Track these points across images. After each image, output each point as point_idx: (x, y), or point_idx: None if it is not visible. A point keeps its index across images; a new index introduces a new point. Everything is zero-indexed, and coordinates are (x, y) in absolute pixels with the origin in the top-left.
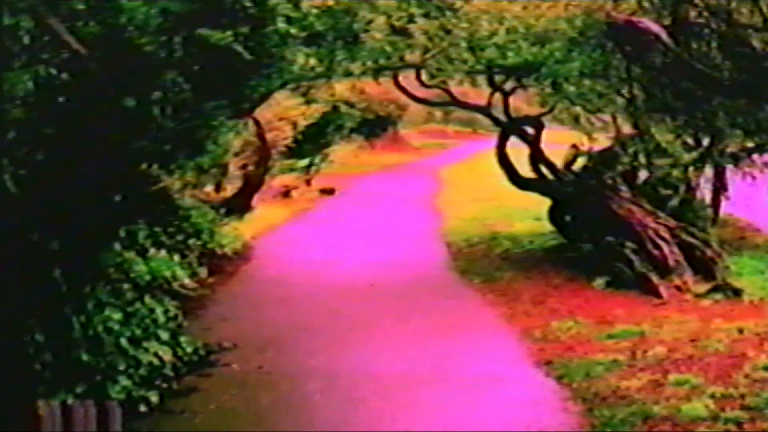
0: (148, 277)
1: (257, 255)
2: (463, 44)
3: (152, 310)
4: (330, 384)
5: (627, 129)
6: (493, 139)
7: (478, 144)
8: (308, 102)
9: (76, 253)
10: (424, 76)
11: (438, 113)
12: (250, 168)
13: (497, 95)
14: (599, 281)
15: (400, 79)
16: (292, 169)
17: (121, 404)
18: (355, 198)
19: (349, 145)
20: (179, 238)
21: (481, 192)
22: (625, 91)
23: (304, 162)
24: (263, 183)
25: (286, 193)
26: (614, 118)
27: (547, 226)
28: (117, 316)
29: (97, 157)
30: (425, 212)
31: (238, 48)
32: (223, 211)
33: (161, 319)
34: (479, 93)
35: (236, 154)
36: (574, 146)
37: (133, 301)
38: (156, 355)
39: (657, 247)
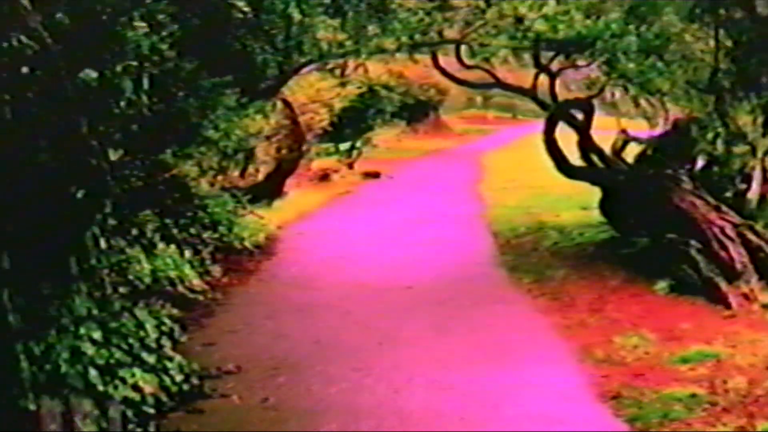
0: (148, 279)
1: (282, 248)
2: (509, 16)
3: (141, 325)
4: (349, 423)
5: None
6: (534, 124)
7: (518, 130)
8: (343, 84)
9: (55, 256)
10: (464, 55)
11: (478, 98)
12: (284, 152)
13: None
14: (661, 285)
15: (440, 60)
16: (330, 153)
17: None
18: (398, 183)
19: (392, 130)
20: (192, 231)
21: (524, 179)
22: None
23: (346, 145)
24: (296, 167)
25: (324, 177)
26: (662, 102)
27: (595, 217)
28: (96, 334)
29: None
30: (469, 198)
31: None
32: (247, 198)
33: (151, 335)
34: (519, 77)
35: (268, 138)
36: (624, 131)
37: (120, 312)
38: (135, 387)
39: (723, 247)
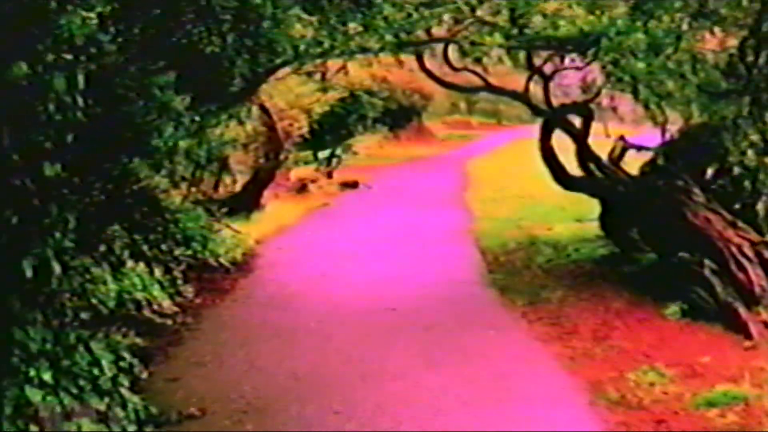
0: (112, 303)
1: (260, 265)
2: (504, 11)
3: (96, 362)
4: None
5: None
6: (519, 130)
7: (503, 135)
8: (324, 90)
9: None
10: (452, 56)
11: (462, 104)
12: (261, 161)
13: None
14: (673, 309)
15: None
16: (307, 162)
17: None
18: (379, 193)
19: (373, 136)
20: (164, 247)
21: (513, 188)
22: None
23: (325, 153)
24: (274, 177)
25: (302, 188)
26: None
27: (591, 230)
28: (46, 375)
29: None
30: (454, 210)
31: None
32: (223, 210)
33: (107, 373)
34: (506, 82)
35: (245, 146)
36: (622, 138)
37: (76, 345)
38: None
39: (741, 268)
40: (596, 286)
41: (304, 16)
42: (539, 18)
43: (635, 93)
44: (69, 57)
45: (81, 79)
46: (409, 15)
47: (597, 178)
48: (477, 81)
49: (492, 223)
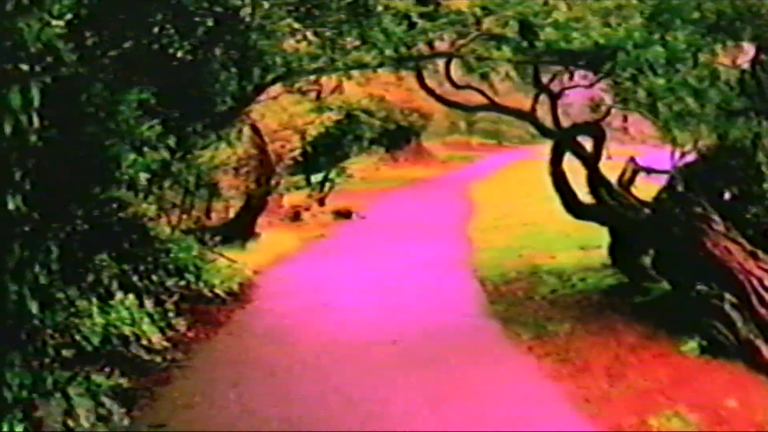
0: (97, 339)
1: (258, 295)
2: (512, 23)
3: (72, 412)
4: None
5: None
6: (520, 151)
7: (504, 157)
8: (319, 109)
9: None
10: (455, 72)
11: (462, 124)
12: (252, 186)
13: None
14: (691, 345)
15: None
16: (299, 187)
17: None
18: (376, 222)
19: (369, 158)
20: (154, 277)
21: (514, 214)
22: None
23: (318, 177)
24: (266, 203)
25: (296, 216)
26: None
27: (597, 258)
28: (19, 429)
29: None
30: (453, 240)
31: None
32: (217, 239)
33: (84, 424)
34: (507, 102)
35: (236, 170)
36: (632, 160)
37: (52, 392)
38: None
39: (763, 303)
40: (606, 319)
41: (297, 26)
42: (550, 30)
43: (654, 112)
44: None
45: (36, 93)
46: (410, 27)
47: (609, 205)
48: (479, 99)
49: (491, 253)
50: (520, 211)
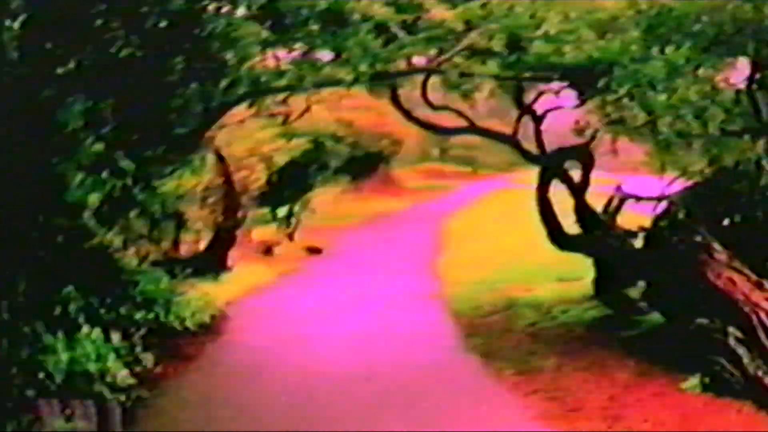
0: (60, 377)
1: (230, 328)
2: (499, 36)
3: None
4: None
5: None
6: (496, 180)
7: (479, 186)
8: (287, 135)
9: None
10: (431, 94)
11: (435, 150)
12: (220, 219)
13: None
14: (692, 382)
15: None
16: (267, 221)
17: None
18: (345, 259)
19: (332, 189)
20: (122, 310)
21: (487, 247)
22: None
23: (283, 211)
24: (235, 237)
25: (267, 250)
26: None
27: (577, 290)
28: None
29: None
30: (423, 274)
31: None
32: (188, 271)
33: None
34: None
35: (203, 200)
36: (619, 188)
37: None
38: None
39: None
40: (594, 354)
41: (265, 34)
42: (541, 42)
43: (654, 132)
44: None
45: None
46: (388, 41)
47: (596, 236)
48: (456, 122)
49: (464, 287)
50: (495, 243)
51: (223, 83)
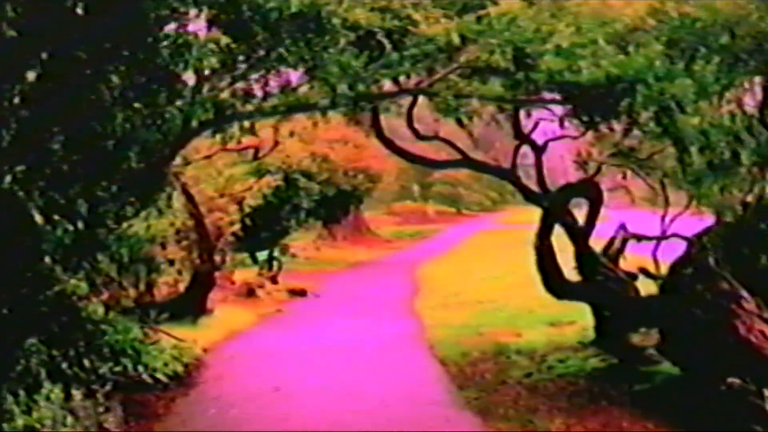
0: None
1: (206, 378)
2: (505, 49)
3: None
4: None
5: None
6: (480, 220)
7: (463, 228)
8: (258, 172)
9: None
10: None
11: (415, 187)
12: (196, 262)
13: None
14: None
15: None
16: (247, 265)
17: None
18: (327, 302)
19: (307, 234)
20: (86, 363)
21: (465, 292)
22: None
23: (264, 255)
24: (213, 280)
25: (249, 292)
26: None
27: (570, 335)
28: None
29: None
30: (405, 318)
31: None
32: (164, 316)
33: None
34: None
35: (177, 242)
36: (623, 228)
37: None
38: None
39: None
40: (604, 412)
41: (225, 41)
42: (551, 57)
43: (682, 160)
44: None
45: None
46: (371, 59)
47: (599, 282)
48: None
49: (447, 330)
50: (475, 288)
51: (179, 103)
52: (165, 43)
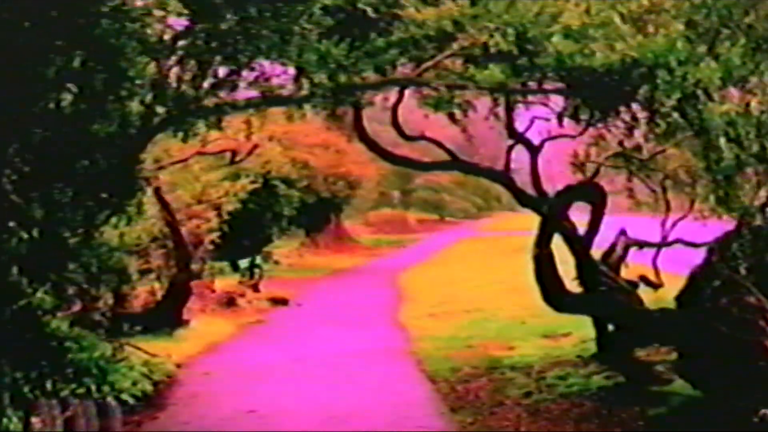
0: None
1: (178, 397)
2: (506, 30)
3: None
4: None
5: None
6: (463, 228)
7: (445, 236)
8: (236, 177)
9: None
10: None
11: (396, 194)
12: (173, 270)
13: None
14: None
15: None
16: (223, 272)
17: None
18: (309, 311)
19: (290, 242)
20: (48, 385)
21: (453, 301)
22: None
23: (245, 263)
24: (189, 290)
25: (230, 302)
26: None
27: (567, 348)
28: None
29: None
30: (390, 329)
31: None
32: (138, 328)
33: None
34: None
35: (154, 251)
36: (623, 233)
37: None
38: None
39: None
40: None
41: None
42: (560, 39)
43: (708, 157)
44: None
45: None
46: (353, 47)
47: (604, 293)
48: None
49: (434, 343)
50: (462, 297)
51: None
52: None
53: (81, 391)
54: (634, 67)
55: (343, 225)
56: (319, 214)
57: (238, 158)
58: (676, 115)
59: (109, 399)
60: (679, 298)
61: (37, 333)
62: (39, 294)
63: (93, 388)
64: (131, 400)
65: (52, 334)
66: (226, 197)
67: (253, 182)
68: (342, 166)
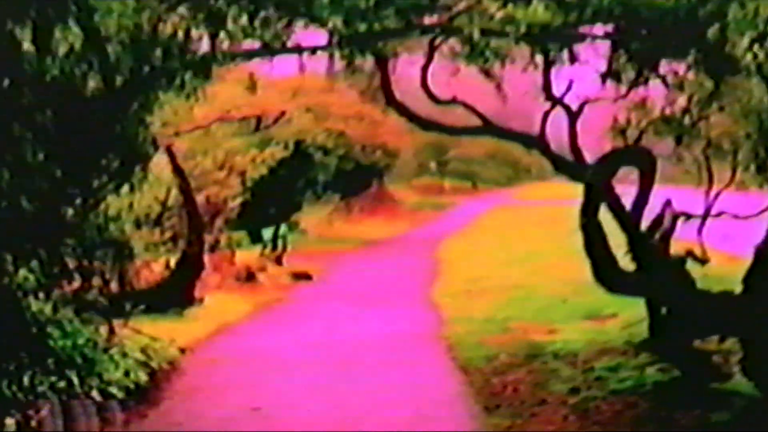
0: None
1: (176, 391)
2: None
3: None
4: None
5: None
6: (496, 196)
7: (479, 204)
8: (264, 144)
9: None
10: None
11: (432, 163)
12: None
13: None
14: None
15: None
16: (239, 245)
17: None
18: (337, 290)
19: (322, 208)
20: (25, 380)
21: (490, 277)
22: None
23: (269, 232)
24: (203, 264)
25: (249, 277)
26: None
27: (613, 332)
28: None
29: None
30: (420, 308)
31: None
32: (141, 308)
33: None
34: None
35: (158, 222)
36: (669, 204)
37: None
38: None
39: None
40: None
41: None
42: None
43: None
44: None
45: None
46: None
47: (662, 273)
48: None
49: (468, 326)
50: (499, 272)
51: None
52: None
53: (62, 385)
54: (702, 2)
55: (386, 189)
56: (357, 179)
57: (263, 125)
58: (749, 57)
59: (94, 394)
60: (746, 280)
61: (16, 317)
62: (22, 272)
63: (76, 381)
64: (120, 395)
65: (32, 319)
66: (252, 164)
67: (284, 149)
68: (378, 137)
